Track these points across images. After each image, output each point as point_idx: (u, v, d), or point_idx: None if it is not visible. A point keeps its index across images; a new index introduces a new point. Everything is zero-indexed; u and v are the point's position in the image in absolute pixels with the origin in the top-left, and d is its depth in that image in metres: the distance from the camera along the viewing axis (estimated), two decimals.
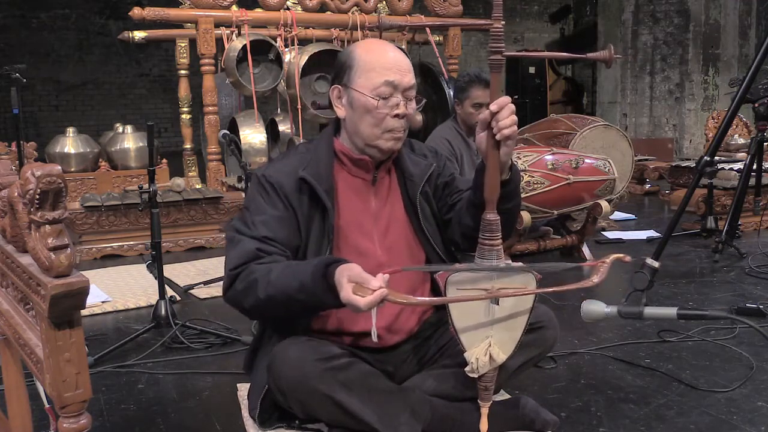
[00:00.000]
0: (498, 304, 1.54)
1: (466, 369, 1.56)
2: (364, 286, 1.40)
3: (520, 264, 1.57)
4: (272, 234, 1.63)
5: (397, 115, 1.67)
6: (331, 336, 1.72)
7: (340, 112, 1.74)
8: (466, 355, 1.56)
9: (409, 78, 1.69)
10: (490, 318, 1.54)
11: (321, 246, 1.68)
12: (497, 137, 1.50)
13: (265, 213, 1.65)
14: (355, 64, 1.68)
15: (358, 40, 5.09)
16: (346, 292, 1.41)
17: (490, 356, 1.54)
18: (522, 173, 3.47)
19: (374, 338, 1.44)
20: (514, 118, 1.50)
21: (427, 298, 1.46)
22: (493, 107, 1.50)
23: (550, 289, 1.53)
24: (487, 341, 1.55)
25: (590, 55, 1.53)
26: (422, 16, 5.48)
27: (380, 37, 1.65)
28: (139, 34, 5.46)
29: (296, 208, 1.67)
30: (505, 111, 1.49)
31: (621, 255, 1.58)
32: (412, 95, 1.71)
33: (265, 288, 1.54)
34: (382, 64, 1.66)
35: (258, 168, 1.76)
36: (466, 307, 1.53)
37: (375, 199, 1.77)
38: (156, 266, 2.62)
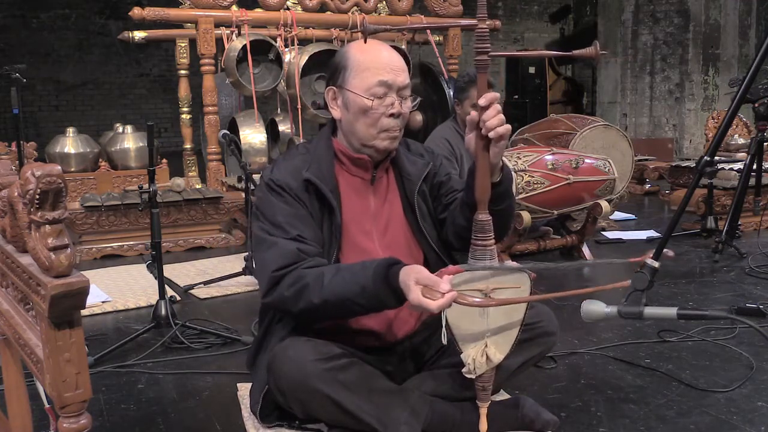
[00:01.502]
0: None
1: (464, 370, 1.56)
2: (433, 289, 1.40)
3: (552, 264, 1.58)
4: (303, 232, 1.63)
5: (392, 115, 1.68)
6: (331, 336, 1.72)
7: (336, 113, 1.74)
8: (462, 356, 1.56)
9: (403, 77, 1.69)
10: (485, 318, 1.54)
11: (330, 245, 1.68)
12: (489, 135, 1.49)
13: (286, 213, 1.65)
14: (349, 65, 1.68)
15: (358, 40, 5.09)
16: (416, 295, 1.41)
17: (487, 357, 1.54)
18: (522, 173, 3.47)
19: (444, 341, 1.45)
20: (502, 117, 1.50)
21: (494, 299, 1.47)
22: (481, 101, 1.49)
23: (584, 291, 1.54)
24: (483, 342, 1.55)
25: (576, 52, 1.53)
26: (422, 16, 5.48)
27: (365, 42, 1.65)
28: (139, 34, 5.46)
29: (309, 207, 1.68)
30: (491, 111, 1.49)
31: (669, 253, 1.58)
32: (407, 94, 1.71)
33: (320, 293, 1.53)
34: (375, 64, 1.66)
35: (263, 172, 1.76)
36: (461, 308, 1.53)
37: (374, 198, 1.78)
38: (156, 266, 2.62)
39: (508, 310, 1.55)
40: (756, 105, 3.73)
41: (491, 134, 1.49)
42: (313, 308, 1.56)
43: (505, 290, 1.52)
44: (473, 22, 1.49)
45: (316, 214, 1.69)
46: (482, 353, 1.54)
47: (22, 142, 4.16)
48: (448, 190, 1.83)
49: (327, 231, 1.69)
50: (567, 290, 1.55)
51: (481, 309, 1.53)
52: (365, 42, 1.67)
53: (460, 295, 1.41)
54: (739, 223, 3.90)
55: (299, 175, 1.69)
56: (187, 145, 5.84)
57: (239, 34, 4.84)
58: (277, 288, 1.59)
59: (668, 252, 1.60)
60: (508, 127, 1.51)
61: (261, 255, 1.65)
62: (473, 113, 1.51)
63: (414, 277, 1.43)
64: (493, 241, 1.55)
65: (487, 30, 1.49)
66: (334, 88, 1.73)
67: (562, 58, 10.57)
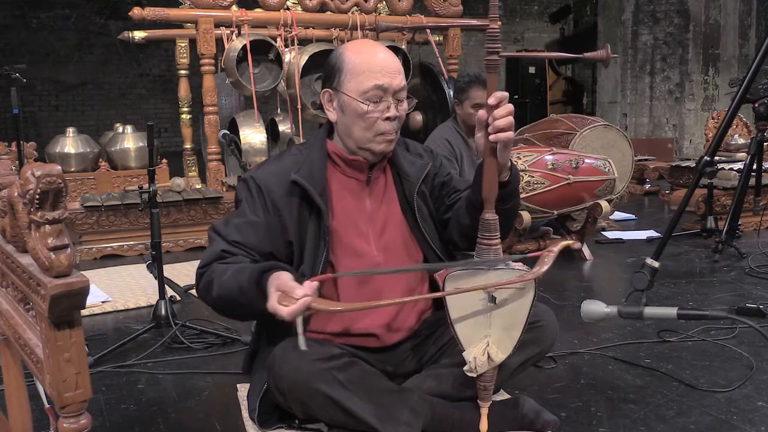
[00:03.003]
0: (495, 302, 1.54)
1: (465, 369, 1.56)
2: (288, 295, 1.41)
3: (476, 259, 1.58)
4: (242, 239, 1.66)
5: (388, 118, 1.67)
6: (330, 336, 1.72)
7: (332, 115, 1.74)
8: (464, 354, 1.56)
9: (399, 80, 1.68)
10: (488, 317, 1.55)
11: (317, 248, 1.68)
12: (491, 138, 1.50)
13: (244, 216, 1.68)
14: (344, 68, 1.68)
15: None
16: (272, 302, 1.43)
17: (489, 356, 1.55)
18: (522, 173, 3.47)
19: (302, 346, 1.39)
20: (511, 119, 1.50)
21: (350, 304, 1.50)
22: (491, 100, 1.49)
23: (514, 280, 1.53)
24: (485, 341, 1.55)
25: (587, 54, 1.53)
26: (422, 16, 5.47)
27: (377, 39, 1.66)
28: (139, 34, 5.46)
29: (284, 213, 1.67)
30: (501, 110, 1.49)
31: (570, 242, 1.60)
32: (403, 96, 1.70)
33: (218, 288, 1.58)
34: (371, 68, 1.65)
35: (250, 169, 1.77)
36: (464, 306, 1.53)
37: (370, 199, 1.77)
38: (156, 266, 2.62)
39: (511, 309, 1.55)
40: (756, 105, 3.74)
41: (493, 137, 1.49)
42: (214, 302, 1.62)
43: (508, 290, 1.52)
44: (485, 22, 1.49)
45: (299, 217, 1.68)
46: (484, 352, 1.54)
47: (22, 142, 4.17)
48: (450, 190, 1.82)
49: (314, 234, 1.69)
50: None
51: (483, 309, 1.53)
52: (377, 39, 1.67)
53: (314, 300, 1.40)
54: (739, 223, 3.90)
55: (286, 176, 1.68)
56: (187, 145, 5.84)
57: (239, 34, 4.84)
58: (198, 284, 1.65)
59: (576, 244, 1.63)
60: (511, 134, 1.51)
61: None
62: (482, 112, 1.51)
63: (275, 283, 1.45)
64: (498, 240, 1.55)
65: (499, 30, 1.49)
66: (330, 90, 1.72)
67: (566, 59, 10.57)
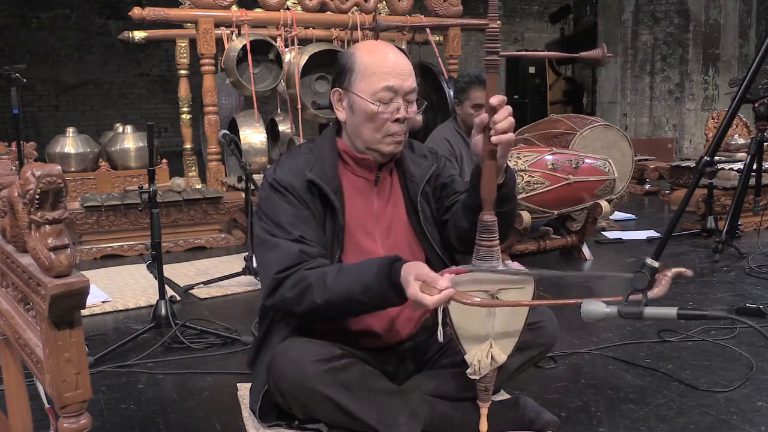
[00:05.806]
0: None
1: (468, 371, 1.56)
2: (431, 285, 1.42)
3: (558, 272, 1.58)
4: (305, 233, 1.63)
5: (398, 120, 1.67)
6: (332, 336, 1.72)
7: (341, 115, 1.73)
8: (466, 357, 1.55)
9: (410, 82, 1.68)
10: (491, 319, 1.54)
11: (332, 246, 1.68)
12: (493, 140, 1.49)
13: (289, 214, 1.65)
14: (355, 68, 1.67)
15: (358, 40, 5.09)
16: (414, 289, 1.43)
17: (492, 357, 1.54)
18: (522, 173, 3.46)
19: (440, 338, 1.47)
20: (511, 120, 1.50)
21: (488, 300, 1.47)
22: (493, 101, 1.49)
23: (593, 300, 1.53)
24: (488, 342, 1.55)
25: (583, 54, 1.53)
26: (422, 16, 5.48)
27: (377, 39, 1.66)
28: (139, 34, 5.45)
29: (311, 208, 1.68)
30: (502, 113, 1.49)
31: (683, 270, 1.45)
32: (413, 98, 1.70)
33: (322, 293, 1.54)
34: (382, 69, 1.65)
35: (266, 172, 1.76)
36: (465, 308, 1.53)
37: (377, 199, 1.77)
38: (156, 266, 2.62)
39: (513, 310, 1.55)
40: (756, 105, 3.74)
41: (498, 138, 1.49)
42: (316, 308, 1.56)
43: (510, 291, 1.52)
44: (484, 22, 1.49)
45: (319, 214, 1.68)
46: (487, 354, 1.54)
47: (22, 142, 4.16)
48: (450, 191, 1.82)
49: (330, 232, 1.69)
50: (570, 295, 1.55)
51: (487, 310, 1.53)
52: (377, 38, 1.67)
53: (457, 293, 1.41)
54: (739, 223, 3.90)
55: (302, 175, 1.68)
56: (187, 145, 5.83)
57: (239, 34, 4.84)
58: (279, 289, 1.59)
59: (688, 272, 1.49)
60: (512, 136, 1.51)
61: (264, 256, 1.65)
62: (483, 115, 1.51)
63: (414, 272, 1.45)
64: (498, 241, 1.55)
65: (498, 30, 1.48)
66: (340, 89, 1.72)
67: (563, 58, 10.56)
